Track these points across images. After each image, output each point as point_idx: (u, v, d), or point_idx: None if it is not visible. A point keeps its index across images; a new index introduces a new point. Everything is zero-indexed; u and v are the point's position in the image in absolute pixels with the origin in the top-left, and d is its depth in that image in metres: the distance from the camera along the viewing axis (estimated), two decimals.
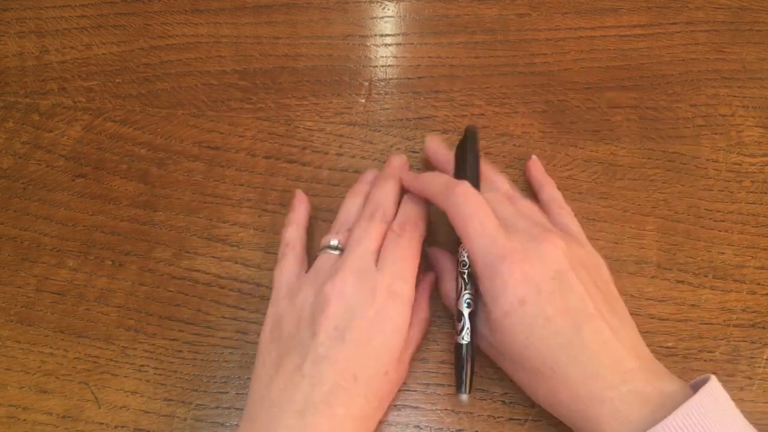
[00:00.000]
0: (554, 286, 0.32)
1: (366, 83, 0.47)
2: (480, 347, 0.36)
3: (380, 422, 0.37)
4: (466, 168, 0.38)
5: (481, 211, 0.34)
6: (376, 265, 0.35)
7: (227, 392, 0.38)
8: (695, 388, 0.30)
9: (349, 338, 0.32)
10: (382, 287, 0.33)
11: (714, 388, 0.29)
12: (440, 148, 0.41)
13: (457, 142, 0.40)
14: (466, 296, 0.34)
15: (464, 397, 0.34)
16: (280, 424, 0.31)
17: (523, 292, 0.32)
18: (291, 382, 0.32)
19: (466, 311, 0.34)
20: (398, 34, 0.49)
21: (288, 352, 0.33)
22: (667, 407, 0.28)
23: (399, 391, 0.38)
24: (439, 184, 0.36)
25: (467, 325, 0.34)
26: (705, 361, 0.38)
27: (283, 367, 0.33)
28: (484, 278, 0.33)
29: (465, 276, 0.35)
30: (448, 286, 0.37)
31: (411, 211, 0.37)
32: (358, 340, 0.32)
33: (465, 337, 0.34)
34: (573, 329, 0.31)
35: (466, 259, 0.35)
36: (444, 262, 0.38)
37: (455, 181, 0.35)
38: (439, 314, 0.40)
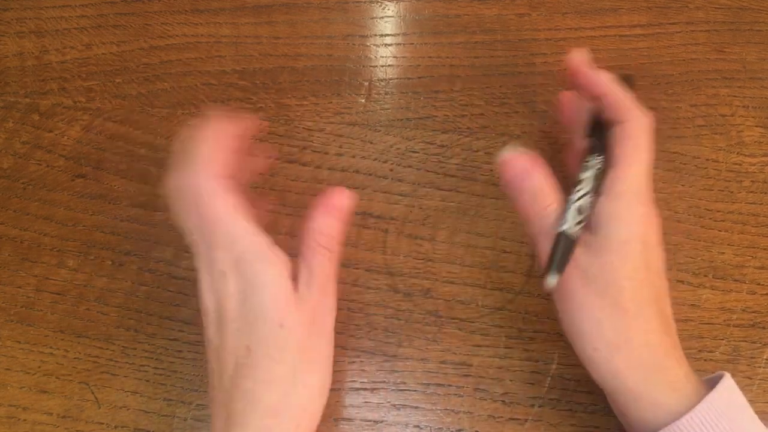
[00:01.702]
0: (660, 247, 0.33)
1: (366, 83, 0.47)
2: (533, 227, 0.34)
3: (379, 422, 0.37)
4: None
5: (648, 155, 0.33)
6: None
7: None
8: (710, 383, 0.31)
9: (225, 317, 0.31)
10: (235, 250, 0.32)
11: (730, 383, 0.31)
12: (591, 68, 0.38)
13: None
14: (590, 197, 0.32)
15: (553, 278, 0.31)
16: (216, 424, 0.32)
17: (649, 231, 0.32)
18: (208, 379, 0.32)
19: (588, 209, 0.32)
20: (398, 34, 0.49)
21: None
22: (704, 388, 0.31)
23: (398, 390, 0.38)
24: (625, 98, 0.35)
25: (579, 221, 0.32)
26: (705, 360, 0.38)
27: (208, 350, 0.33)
28: (627, 197, 0.32)
29: (590, 192, 0.33)
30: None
31: None
32: (230, 317, 0.31)
33: (576, 231, 0.32)
34: (662, 287, 0.33)
35: (597, 165, 0.34)
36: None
37: (639, 115, 0.34)
38: (439, 314, 0.40)
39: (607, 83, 0.35)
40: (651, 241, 0.32)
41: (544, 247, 0.32)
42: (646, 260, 0.32)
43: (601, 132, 0.35)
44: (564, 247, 0.31)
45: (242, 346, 0.31)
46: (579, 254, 0.32)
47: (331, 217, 0.33)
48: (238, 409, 0.30)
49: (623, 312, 0.31)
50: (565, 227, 0.32)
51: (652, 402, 0.30)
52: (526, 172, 0.33)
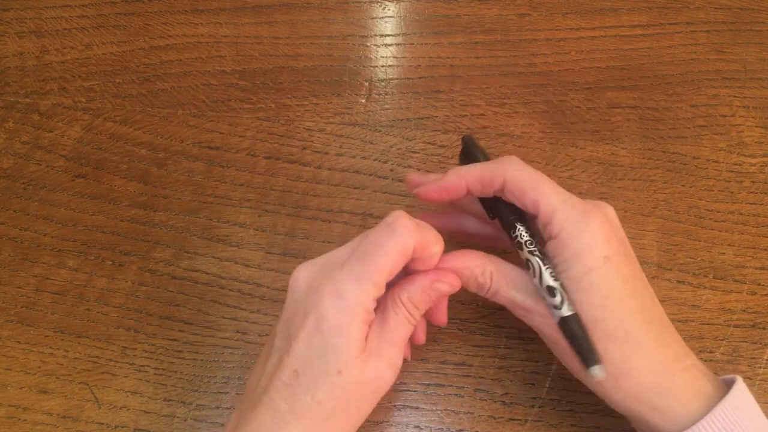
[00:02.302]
0: (624, 250, 0.32)
1: (366, 83, 0.47)
2: (531, 321, 0.33)
3: (379, 422, 0.37)
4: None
5: (544, 175, 0.33)
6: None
7: (227, 392, 0.38)
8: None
9: (293, 332, 0.31)
10: (331, 283, 0.31)
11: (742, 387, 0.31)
12: (426, 175, 0.37)
13: (459, 154, 0.38)
14: (548, 269, 0.32)
15: (598, 369, 0.30)
16: (231, 417, 0.32)
17: (607, 250, 0.31)
18: (256, 372, 0.32)
19: (556, 283, 0.31)
20: (398, 34, 0.49)
21: (269, 345, 0.33)
22: (722, 385, 0.31)
23: (399, 391, 0.38)
24: (480, 167, 0.34)
25: (565, 296, 0.31)
26: (705, 361, 0.38)
27: (260, 358, 0.33)
28: (568, 235, 0.31)
29: (537, 252, 0.32)
30: (507, 275, 0.33)
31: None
32: (299, 335, 0.31)
33: (569, 308, 0.31)
34: (647, 294, 0.32)
35: (525, 236, 0.33)
36: (474, 261, 0.34)
37: (501, 158, 0.34)
38: None
39: (465, 170, 0.34)
40: (611, 250, 0.31)
41: (557, 340, 0.32)
42: (619, 272, 0.31)
43: (498, 206, 0.34)
44: (580, 331, 0.31)
45: (291, 367, 0.31)
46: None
47: (429, 298, 0.32)
48: (260, 421, 0.30)
49: (615, 342, 0.31)
50: (562, 312, 0.31)
51: (668, 416, 0.30)
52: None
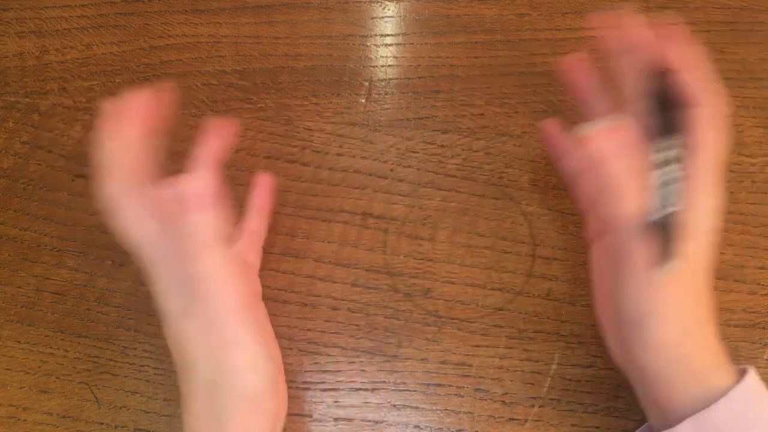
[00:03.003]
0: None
1: (366, 83, 0.47)
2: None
3: (379, 422, 0.37)
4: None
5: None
6: None
7: None
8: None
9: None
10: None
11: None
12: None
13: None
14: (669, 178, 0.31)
15: (671, 265, 0.30)
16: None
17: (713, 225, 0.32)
18: None
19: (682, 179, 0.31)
20: (398, 34, 0.49)
21: None
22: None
23: (399, 391, 0.38)
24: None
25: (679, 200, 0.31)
26: None
27: None
28: (706, 188, 0.31)
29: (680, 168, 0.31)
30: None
31: None
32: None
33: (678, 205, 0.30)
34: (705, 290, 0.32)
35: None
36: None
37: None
38: (439, 314, 0.40)
39: (691, 59, 0.32)
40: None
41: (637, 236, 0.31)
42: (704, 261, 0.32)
43: (663, 108, 0.32)
44: (671, 231, 0.30)
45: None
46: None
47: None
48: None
49: (702, 301, 0.31)
50: (671, 209, 0.30)
51: (699, 386, 0.30)
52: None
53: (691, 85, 0.32)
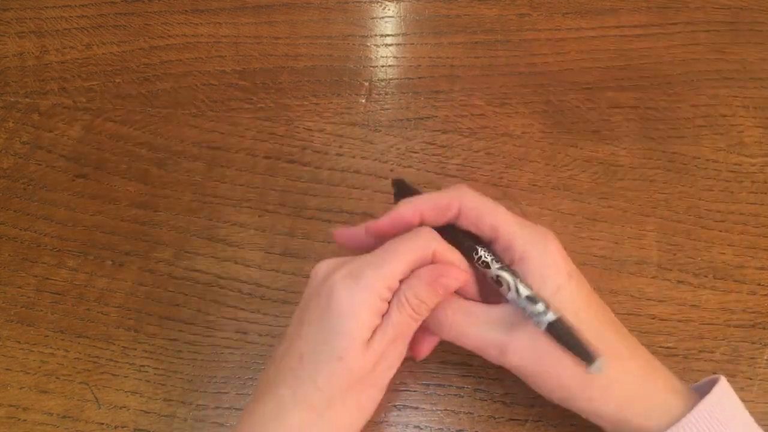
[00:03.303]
0: (575, 268, 0.33)
1: (366, 83, 0.47)
2: (506, 357, 0.33)
3: (379, 422, 0.37)
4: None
5: (496, 202, 0.33)
6: None
7: (227, 392, 0.38)
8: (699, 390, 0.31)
9: (305, 317, 0.31)
10: (345, 267, 0.31)
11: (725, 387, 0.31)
12: (353, 228, 0.36)
13: (394, 196, 0.37)
14: (521, 282, 0.31)
15: (600, 362, 0.30)
16: (246, 407, 0.32)
17: (568, 268, 0.32)
18: (268, 362, 0.33)
19: (531, 292, 0.31)
20: (398, 34, 0.49)
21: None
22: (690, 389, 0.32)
23: (399, 391, 0.38)
24: (435, 195, 0.33)
25: (545, 301, 0.31)
26: (705, 361, 0.38)
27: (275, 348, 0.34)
28: (532, 258, 0.32)
29: (505, 269, 0.32)
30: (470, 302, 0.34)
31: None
32: (310, 319, 0.31)
33: (554, 312, 0.31)
34: (606, 306, 0.33)
35: (489, 255, 0.33)
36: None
37: (453, 187, 0.34)
38: None
39: (420, 201, 0.33)
40: (570, 267, 0.32)
41: (539, 363, 0.32)
42: (582, 288, 0.32)
43: (454, 233, 0.34)
44: (572, 330, 0.31)
45: (297, 351, 0.31)
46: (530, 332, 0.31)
47: (435, 293, 0.32)
48: (264, 409, 0.31)
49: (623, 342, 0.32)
50: (548, 318, 0.30)
51: (655, 416, 0.30)
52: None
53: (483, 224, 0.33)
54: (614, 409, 0.31)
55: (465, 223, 0.33)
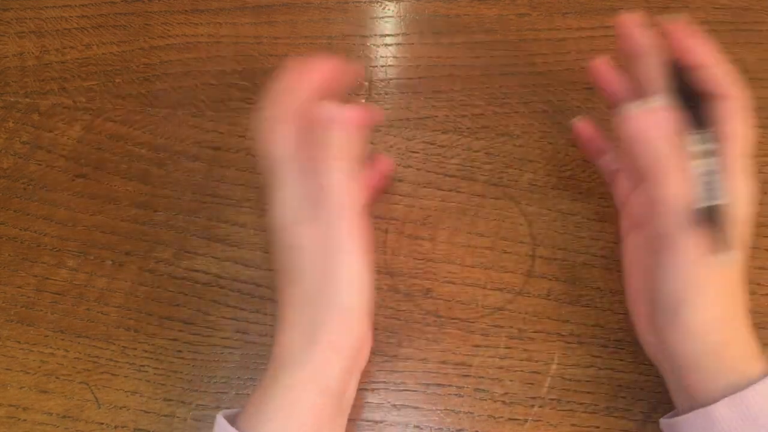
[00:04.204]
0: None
1: (366, 83, 0.47)
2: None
3: (379, 422, 0.37)
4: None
5: None
6: None
7: (227, 392, 0.38)
8: None
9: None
10: None
11: None
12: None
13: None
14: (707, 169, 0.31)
15: (731, 254, 0.31)
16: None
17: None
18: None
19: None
20: (398, 34, 0.49)
21: None
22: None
23: (399, 391, 0.38)
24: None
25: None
26: None
27: None
28: (740, 177, 0.32)
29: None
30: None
31: None
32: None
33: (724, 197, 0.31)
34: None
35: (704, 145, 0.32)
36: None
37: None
38: (439, 314, 0.40)
39: (711, 54, 0.33)
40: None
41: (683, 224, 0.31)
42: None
43: (690, 101, 0.33)
44: (720, 222, 0.30)
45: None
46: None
47: (344, 130, 0.32)
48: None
49: (738, 293, 0.32)
50: (716, 201, 0.30)
51: (733, 373, 0.30)
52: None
53: (715, 78, 0.33)
54: (708, 325, 0.31)
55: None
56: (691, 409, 0.31)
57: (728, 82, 0.33)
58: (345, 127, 0.32)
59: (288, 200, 0.32)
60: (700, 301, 0.31)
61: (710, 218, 0.30)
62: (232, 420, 0.31)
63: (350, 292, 0.31)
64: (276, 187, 0.33)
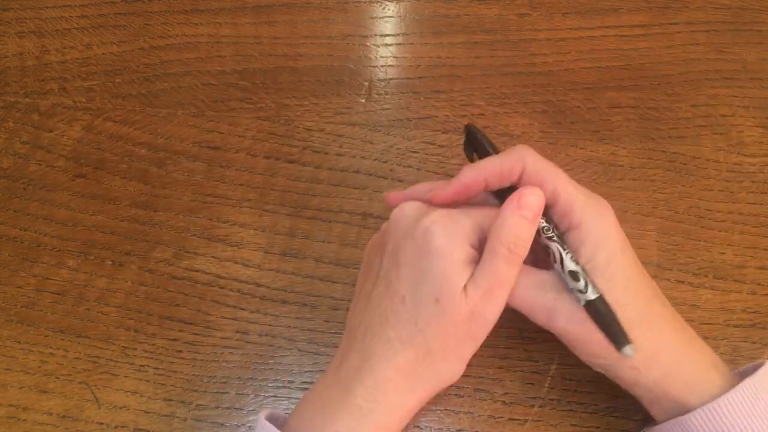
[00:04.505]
0: (628, 243, 0.33)
1: (366, 83, 0.47)
2: (553, 322, 0.32)
3: None
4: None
5: (557, 166, 0.33)
6: None
7: (227, 392, 0.38)
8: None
9: (400, 259, 0.32)
10: (438, 211, 0.32)
11: None
12: (405, 191, 0.36)
13: (464, 143, 0.37)
14: (567, 254, 0.31)
15: (629, 348, 0.30)
16: (344, 345, 0.33)
17: (622, 242, 0.32)
18: (359, 306, 0.34)
19: (578, 267, 0.31)
20: (398, 34, 0.49)
21: (366, 279, 0.34)
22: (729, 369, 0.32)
23: None
24: (498, 159, 0.33)
25: (588, 279, 0.31)
26: None
27: (359, 293, 0.34)
28: (589, 226, 0.32)
29: (556, 238, 0.32)
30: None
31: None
32: (406, 261, 0.32)
33: (594, 291, 0.31)
34: (654, 286, 0.33)
35: (542, 222, 0.32)
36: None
37: (515, 148, 0.33)
38: None
39: (481, 165, 0.33)
40: (624, 242, 0.32)
41: (579, 334, 0.32)
42: (633, 261, 0.32)
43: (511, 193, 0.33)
44: (609, 312, 0.31)
45: (399, 294, 0.31)
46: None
47: (522, 218, 0.31)
48: (372, 350, 0.31)
49: (640, 327, 0.31)
50: (588, 296, 0.31)
51: (697, 389, 0.31)
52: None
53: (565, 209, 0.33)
54: (654, 380, 0.31)
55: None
56: (666, 418, 0.32)
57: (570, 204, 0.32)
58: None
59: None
60: (651, 362, 0.31)
61: (597, 313, 0.31)
62: (279, 423, 0.31)
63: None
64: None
